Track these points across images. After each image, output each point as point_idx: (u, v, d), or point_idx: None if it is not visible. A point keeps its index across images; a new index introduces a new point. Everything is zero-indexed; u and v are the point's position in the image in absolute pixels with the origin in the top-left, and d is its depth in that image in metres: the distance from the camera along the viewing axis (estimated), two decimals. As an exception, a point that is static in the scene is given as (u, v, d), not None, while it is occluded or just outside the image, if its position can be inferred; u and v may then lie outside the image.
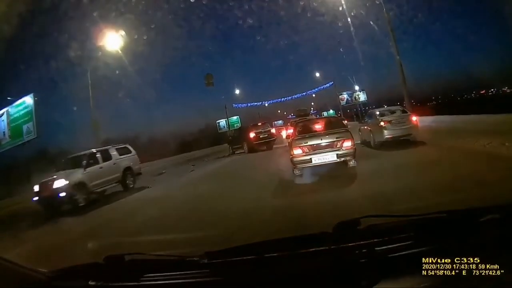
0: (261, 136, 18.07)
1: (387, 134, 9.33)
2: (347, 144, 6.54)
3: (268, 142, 18.20)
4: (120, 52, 18.14)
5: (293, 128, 8.65)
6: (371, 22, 18.96)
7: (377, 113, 10.58)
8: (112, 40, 17.37)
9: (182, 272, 1.35)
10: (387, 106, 12.85)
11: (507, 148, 6.28)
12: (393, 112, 10.30)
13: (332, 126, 7.38)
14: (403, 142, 9.26)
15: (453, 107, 25.63)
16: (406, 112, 10.33)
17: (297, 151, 6.67)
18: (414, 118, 9.75)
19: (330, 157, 6.53)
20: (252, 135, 18.08)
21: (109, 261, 1.43)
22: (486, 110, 12.17)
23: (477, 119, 11.32)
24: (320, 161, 6.58)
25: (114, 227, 6.12)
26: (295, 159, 6.71)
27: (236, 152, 19.66)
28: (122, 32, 17.17)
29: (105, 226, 6.36)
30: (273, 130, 19.60)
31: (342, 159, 6.56)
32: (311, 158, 6.59)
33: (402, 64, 15.90)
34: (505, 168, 5.05)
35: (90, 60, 18.18)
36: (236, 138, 20.70)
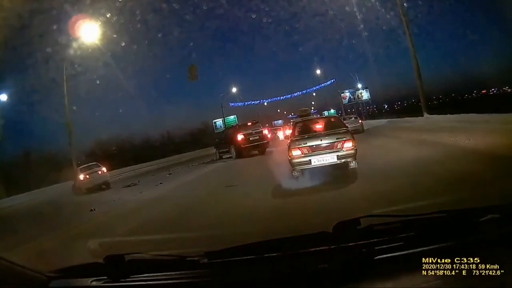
0: (251, 139, 15.62)
1: None
2: (348, 145, 6.32)
3: (260, 145, 15.80)
4: (101, 46, 16.96)
5: (292, 128, 8.47)
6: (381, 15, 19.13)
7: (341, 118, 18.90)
8: (92, 32, 15.79)
9: (182, 272, 1.35)
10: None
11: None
12: (350, 118, 19.16)
13: (332, 126, 7.17)
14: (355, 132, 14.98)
15: (451, 106, 25.63)
16: (357, 118, 20.04)
17: (295, 153, 6.50)
18: (359, 121, 19.15)
19: (330, 158, 6.33)
20: (240, 137, 15.58)
21: (109, 261, 1.43)
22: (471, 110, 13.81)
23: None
24: (319, 163, 6.41)
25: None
26: (293, 160, 6.55)
27: (223, 157, 17.09)
28: (101, 23, 15.79)
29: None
30: (265, 131, 17.03)
31: (343, 160, 6.32)
32: (310, 160, 6.41)
33: (418, 61, 16.11)
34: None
35: (66, 56, 16.93)
36: (223, 140, 17.68)
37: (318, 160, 6.37)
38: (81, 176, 14.15)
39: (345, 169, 6.42)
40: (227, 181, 8.52)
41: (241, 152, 15.39)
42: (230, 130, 18.03)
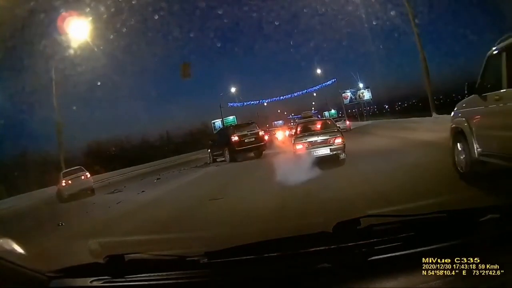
0: (246, 140, 14.47)
1: None
2: (338, 141, 8.42)
3: (256, 148, 14.66)
4: (100, 46, 16.83)
5: (295, 128, 11.00)
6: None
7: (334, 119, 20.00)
8: (90, 32, 15.64)
9: (182, 272, 1.35)
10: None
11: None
12: (340, 120, 22.83)
13: (327, 127, 9.66)
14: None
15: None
16: (345, 120, 24.58)
17: (298, 147, 8.68)
18: (347, 122, 24.15)
19: (325, 150, 8.41)
20: (234, 138, 14.39)
21: (109, 261, 1.43)
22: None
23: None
24: (316, 154, 8.42)
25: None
26: (297, 152, 8.74)
27: (217, 160, 15.91)
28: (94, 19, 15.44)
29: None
30: (262, 132, 15.68)
31: (334, 152, 8.42)
32: (309, 152, 8.47)
33: (426, 59, 15.23)
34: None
35: (55, 53, 16.50)
36: (217, 142, 16.42)
37: (316, 152, 8.46)
38: (63, 182, 13.43)
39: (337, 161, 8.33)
40: (213, 192, 7.61)
41: (235, 155, 14.29)
42: (224, 131, 16.96)
